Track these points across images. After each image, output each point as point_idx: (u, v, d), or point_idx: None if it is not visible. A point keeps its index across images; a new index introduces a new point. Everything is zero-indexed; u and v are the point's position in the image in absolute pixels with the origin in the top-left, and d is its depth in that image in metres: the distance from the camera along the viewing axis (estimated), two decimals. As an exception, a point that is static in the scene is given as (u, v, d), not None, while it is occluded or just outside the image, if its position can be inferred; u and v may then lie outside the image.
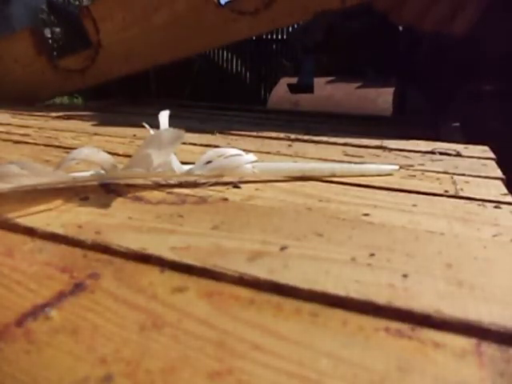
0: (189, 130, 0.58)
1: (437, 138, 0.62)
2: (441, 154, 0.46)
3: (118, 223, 0.24)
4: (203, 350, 0.14)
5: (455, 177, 0.37)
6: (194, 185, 0.32)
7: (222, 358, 0.14)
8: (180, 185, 0.32)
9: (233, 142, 0.51)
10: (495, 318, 0.16)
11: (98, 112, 0.86)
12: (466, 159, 0.45)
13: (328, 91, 1.66)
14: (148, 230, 0.23)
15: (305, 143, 0.52)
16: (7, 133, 0.51)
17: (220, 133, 0.57)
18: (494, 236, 0.24)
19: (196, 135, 0.54)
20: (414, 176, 0.36)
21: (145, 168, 0.29)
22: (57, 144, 0.46)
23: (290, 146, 0.49)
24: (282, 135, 0.56)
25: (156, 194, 0.29)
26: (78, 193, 0.29)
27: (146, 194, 0.29)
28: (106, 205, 0.27)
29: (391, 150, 0.48)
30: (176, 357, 0.14)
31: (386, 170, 0.37)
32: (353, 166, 0.39)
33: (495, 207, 0.29)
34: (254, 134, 0.58)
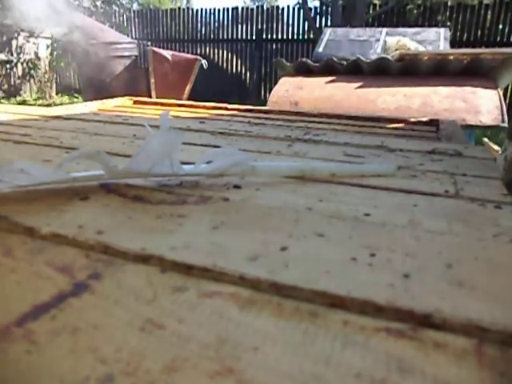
0: (189, 129, 0.59)
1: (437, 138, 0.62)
2: (441, 153, 0.46)
3: (118, 223, 0.24)
4: (203, 350, 0.14)
5: (456, 177, 0.37)
6: (194, 185, 0.32)
7: (222, 357, 0.14)
8: (180, 185, 0.31)
9: (233, 142, 0.51)
10: (496, 318, 0.16)
11: (98, 112, 0.86)
12: (467, 159, 0.45)
13: (328, 91, 1.66)
14: (148, 229, 0.23)
15: (305, 143, 0.51)
16: (7, 133, 0.51)
17: (220, 133, 0.57)
18: (495, 236, 0.24)
19: (196, 135, 0.54)
20: (415, 176, 0.36)
21: (145, 168, 0.29)
22: (57, 144, 0.46)
23: (289, 146, 0.49)
24: (282, 135, 0.56)
25: (156, 194, 0.29)
26: (77, 193, 0.29)
27: (146, 194, 0.29)
28: (106, 205, 0.27)
29: (391, 150, 0.48)
30: (176, 357, 0.14)
31: (386, 170, 0.37)
32: (353, 166, 0.39)
33: (495, 207, 0.29)
34: (254, 134, 0.57)
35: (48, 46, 4.80)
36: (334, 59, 1.77)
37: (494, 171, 0.39)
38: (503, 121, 1.43)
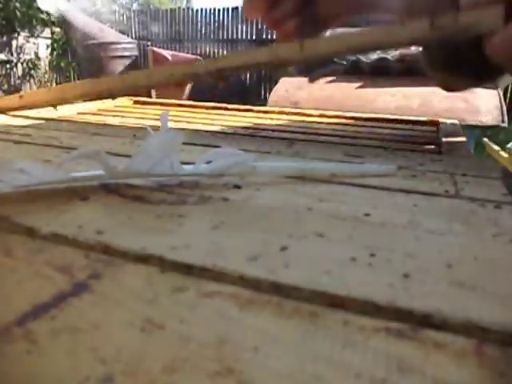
0: (189, 129, 0.59)
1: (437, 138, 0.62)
2: (441, 153, 0.46)
3: (118, 223, 0.24)
4: (203, 350, 0.14)
5: (456, 177, 0.37)
6: (194, 185, 0.32)
7: (222, 358, 0.14)
8: (180, 185, 0.31)
9: (233, 142, 0.51)
10: (496, 318, 0.16)
11: (98, 112, 0.86)
12: (467, 159, 0.45)
13: (328, 91, 1.66)
14: (148, 230, 0.23)
15: (305, 143, 0.51)
16: (7, 133, 0.51)
17: (220, 133, 0.57)
18: (495, 236, 0.24)
19: (196, 135, 0.54)
20: (415, 176, 0.36)
21: (145, 168, 0.29)
22: (57, 144, 0.46)
23: (289, 146, 0.49)
24: (282, 135, 0.56)
25: (156, 194, 0.29)
26: (77, 193, 0.29)
27: (146, 194, 0.29)
28: (106, 205, 0.27)
29: (391, 150, 0.48)
30: (176, 357, 0.14)
31: (386, 170, 0.37)
32: (353, 165, 0.39)
33: (495, 207, 0.29)
34: (254, 134, 0.58)
35: (48, 46, 4.80)
36: (334, 59, 1.76)
37: (494, 171, 0.39)
38: (503, 121, 1.43)
